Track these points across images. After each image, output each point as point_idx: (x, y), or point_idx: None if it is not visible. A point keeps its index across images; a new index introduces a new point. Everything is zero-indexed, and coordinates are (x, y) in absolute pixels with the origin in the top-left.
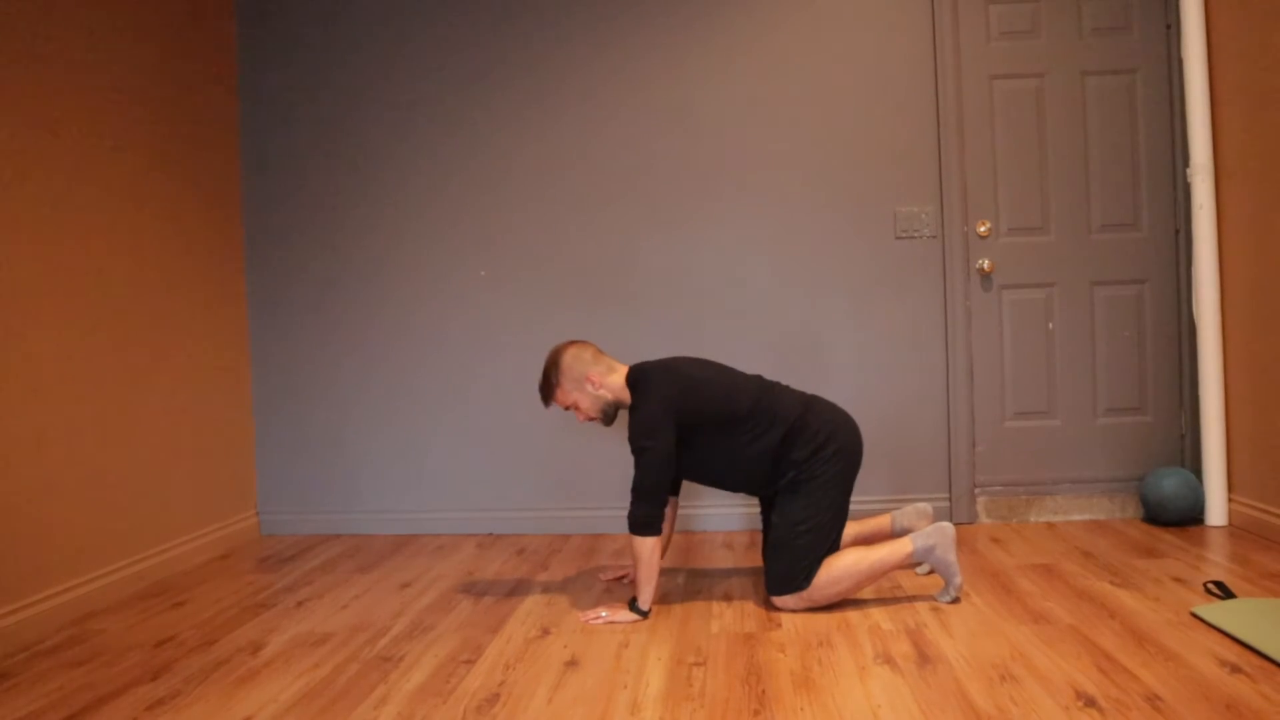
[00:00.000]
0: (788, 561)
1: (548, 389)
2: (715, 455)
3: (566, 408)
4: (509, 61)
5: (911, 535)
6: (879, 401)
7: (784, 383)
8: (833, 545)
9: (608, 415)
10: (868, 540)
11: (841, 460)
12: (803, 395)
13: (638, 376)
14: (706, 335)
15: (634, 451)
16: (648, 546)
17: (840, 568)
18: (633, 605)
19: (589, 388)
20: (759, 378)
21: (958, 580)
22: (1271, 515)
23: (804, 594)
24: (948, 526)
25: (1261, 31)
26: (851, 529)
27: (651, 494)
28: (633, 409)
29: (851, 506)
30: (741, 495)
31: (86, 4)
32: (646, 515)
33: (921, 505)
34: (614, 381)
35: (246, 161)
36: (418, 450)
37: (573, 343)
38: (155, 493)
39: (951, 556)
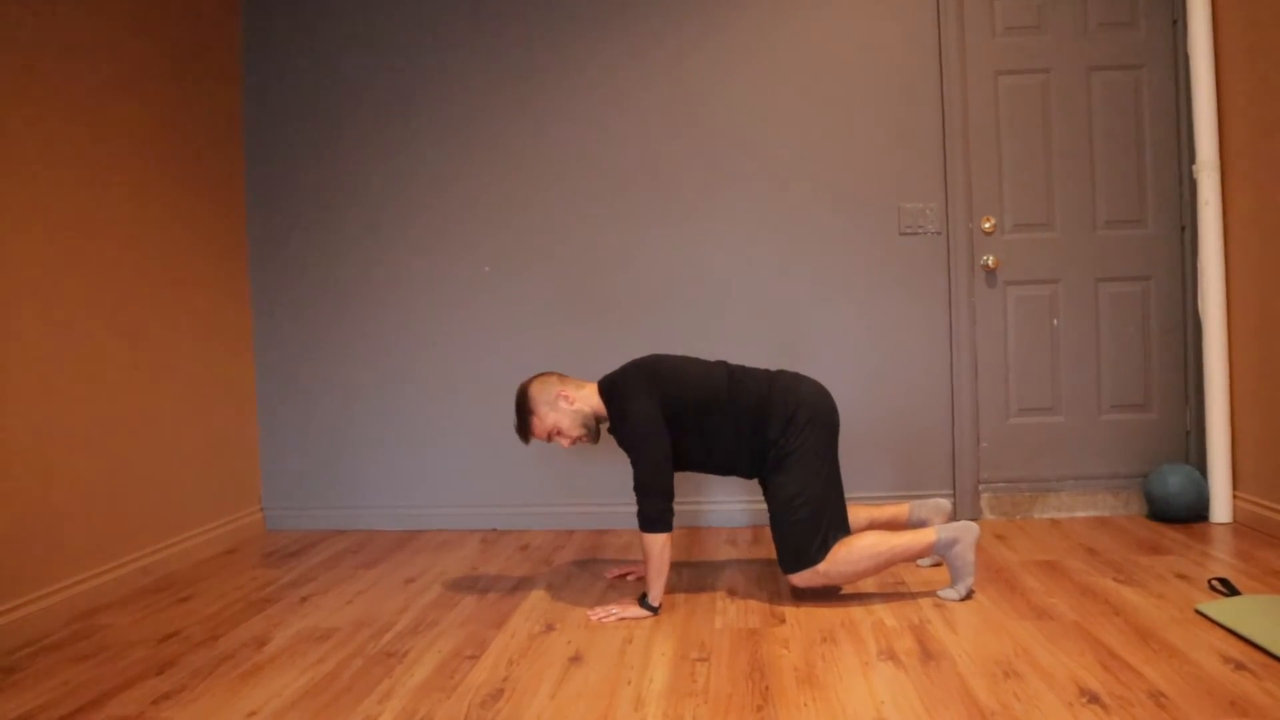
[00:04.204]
0: (793, 537)
1: (524, 422)
2: (699, 443)
3: (548, 436)
4: (512, 57)
5: (937, 526)
6: (883, 398)
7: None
8: (837, 515)
9: (590, 430)
10: (883, 527)
11: (815, 428)
12: (767, 373)
13: (608, 385)
14: (709, 331)
15: (630, 451)
16: (659, 543)
17: (860, 548)
18: (643, 601)
19: (563, 404)
20: (724, 363)
21: (969, 580)
22: (1276, 512)
23: (821, 570)
24: (974, 525)
25: (1268, 27)
26: (866, 514)
27: (658, 489)
28: (616, 415)
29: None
30: (744, 490)
31: (91, 1)
32: (656, 511)
33: (941, 501)
34: (586, 395)
35: (250, 158)
36: (422, 446)
37: (535, 376)
38: (160, 488)
39: (971, 556)
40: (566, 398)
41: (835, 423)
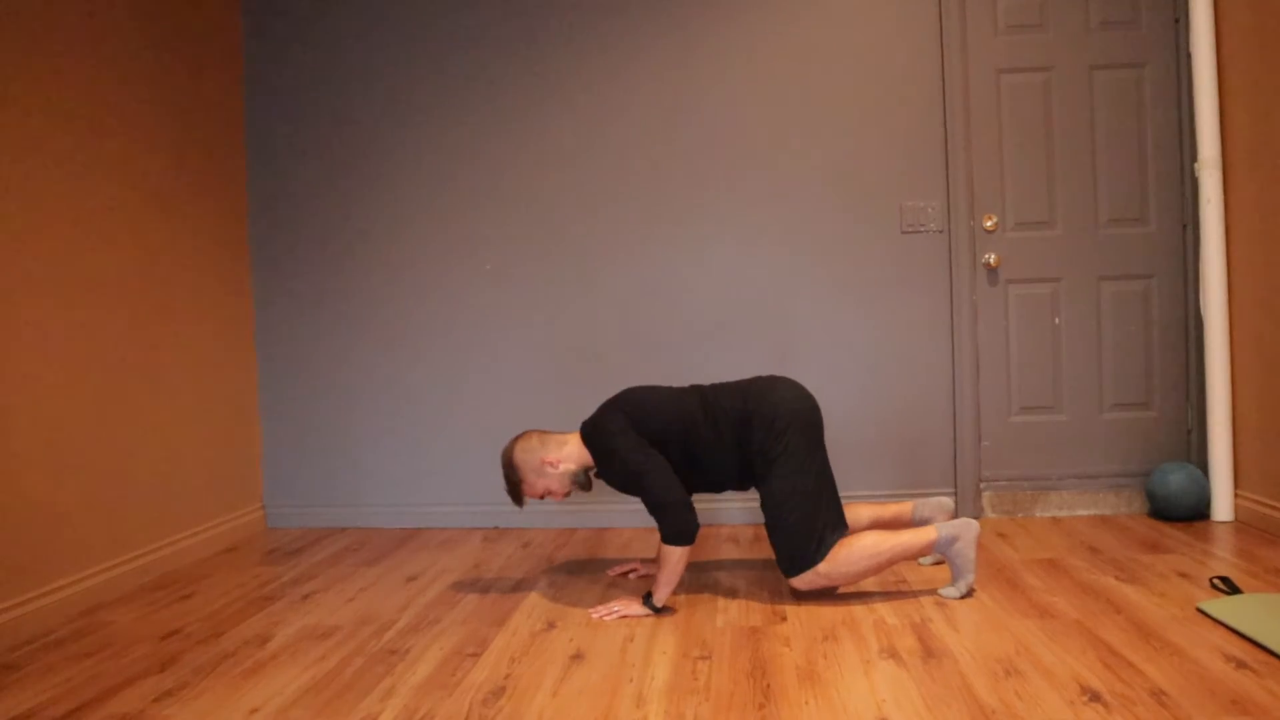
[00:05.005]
0: (789, 539)
1: (515, 490)
2: (688, 469)
3: (541, 497)
4: (514, 55)
5: (937, 524)
6: (885, 396)
7: (784, 375)
8: (832, 513)
9: (581, 484)
10: (886, 525)
11: (796, 430)
12: (740, 385)
13: (589, 430)
14: (710, 329)
15: (631, 480)
16: (679, 553)
17: (860, 548)
18: (646, 600)
19: (549, 469)
20: (696, 386)
21: (970, 578)
22: (1278, 510)
23: (821, 572)
24: (974, 523)
25: (1270, 25)
26: (869, 512)
27: (674, 501)
28: (603, 455)
29: (859, 498)
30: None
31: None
32: (682, 524)
33: (944, 500)
34: (570, 452)
35: (252, 156)
36: (423, 444)
37: (517, 439)
38: (162, 486)
39: (972, 553)
40: (551, 463)
41: (817, 420)
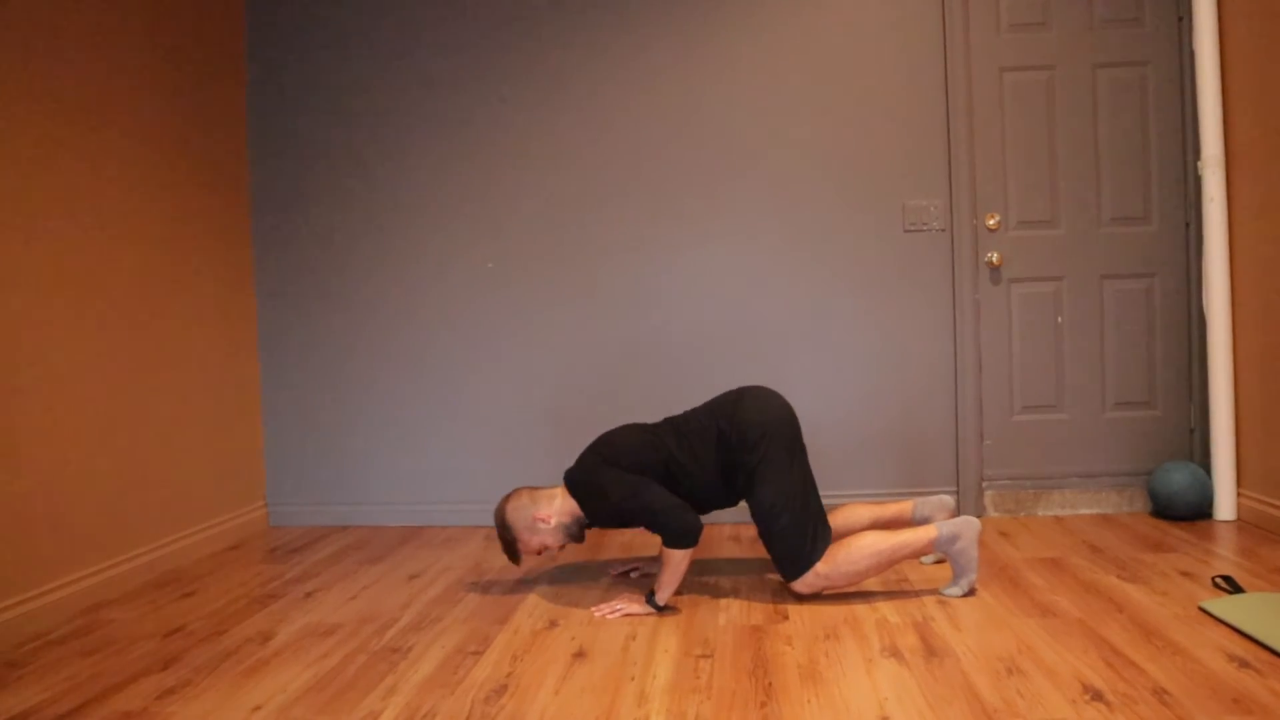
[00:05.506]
0: (784, 544)
1: (511, 548)
2: (681, 493)
3: (538, 553)
4: (517, 52)
5: (937, 523)
6: (887, 395)
7: (787, 371)
8: (819, 512)
9: (573, 536)
10: (887, 525)
11: (769, 439)
12: (708, 406)
13: (573, 479)
14: (711, 329)
15: (626, 508)
16: (680, 554)
17: (861, 548)
18: (649, 598)
19: (541, 526)
20: (667, 418)
21: (972, 576)
22: None
23: (822, 573)
24: (975, 521)
25: (1273, 23)
26: (869, 512)
27: (673, 509)
28: (594, 497)
29: (860, 497)
30: None
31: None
32: (683, 526)
33: (945, 498)
34: (560, 506)
35: (255, 154)
36: (426, 442)
37: (507, 499)
38: (165, 484)
39: (973, 552)
40: (543, 519)
41: (792, 424)
